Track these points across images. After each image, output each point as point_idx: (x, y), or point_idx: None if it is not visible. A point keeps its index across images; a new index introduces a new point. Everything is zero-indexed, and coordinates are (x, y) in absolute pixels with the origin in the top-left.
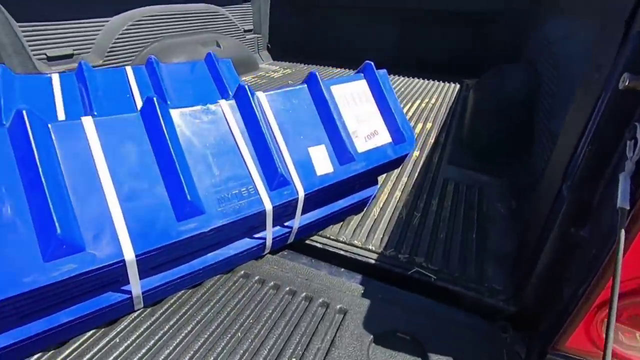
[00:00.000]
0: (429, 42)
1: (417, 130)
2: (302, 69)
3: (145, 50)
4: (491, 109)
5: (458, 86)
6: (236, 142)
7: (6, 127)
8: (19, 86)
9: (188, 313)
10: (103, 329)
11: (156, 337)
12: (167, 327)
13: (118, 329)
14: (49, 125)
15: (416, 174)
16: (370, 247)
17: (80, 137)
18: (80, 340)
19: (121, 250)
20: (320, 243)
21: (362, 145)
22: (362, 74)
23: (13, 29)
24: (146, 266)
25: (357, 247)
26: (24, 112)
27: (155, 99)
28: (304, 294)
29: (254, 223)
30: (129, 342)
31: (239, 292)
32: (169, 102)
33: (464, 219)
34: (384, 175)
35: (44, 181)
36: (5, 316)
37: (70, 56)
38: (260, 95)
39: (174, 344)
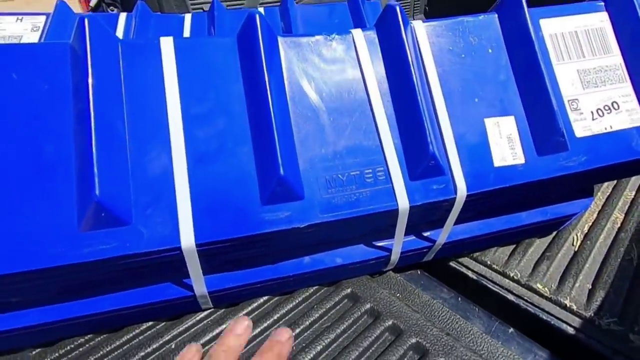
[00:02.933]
0: None
1: None
2: None
3: None
4: None
5: None
6: (368, 96)
7: (69, 42)
8: (153, 25)
9: (261, 337)
10: (163, 324)
11: None
12: None
13: (175, 332)
14: (118, 44)
15: None
16: (566, 301)
17: (155, 64)
18: (134, 333)
19: (178, 233)
20: (473, 271)
21: (584, 125)
22: (603, 1)
23: None
24: (214, 260)
25: (540, 295)
26: (86, 21)
27: (257, 16)
28: None
29: (378, 225)
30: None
31: (339, 324)
32: None
33: None
34: None
35: (92, 119)
36: (36, 291)
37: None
38: (418, 26)
39: None
